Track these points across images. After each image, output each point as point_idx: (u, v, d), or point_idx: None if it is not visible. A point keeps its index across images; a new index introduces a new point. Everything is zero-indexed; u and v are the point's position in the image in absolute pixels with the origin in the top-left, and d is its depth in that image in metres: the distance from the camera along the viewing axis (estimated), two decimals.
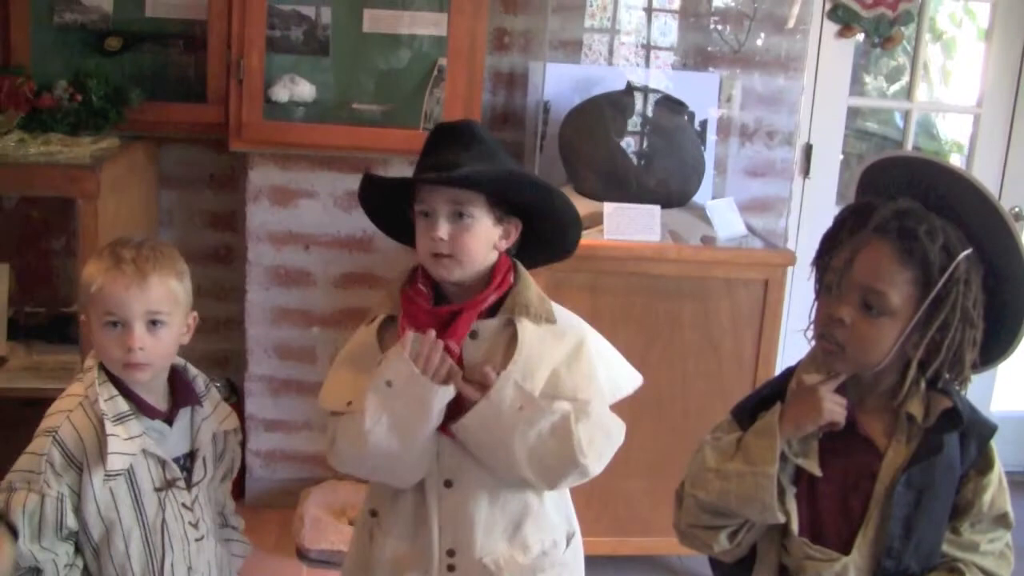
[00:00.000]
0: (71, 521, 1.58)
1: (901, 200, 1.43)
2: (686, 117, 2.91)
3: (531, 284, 1.66)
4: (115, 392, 1.62)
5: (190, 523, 1.68)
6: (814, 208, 3.36)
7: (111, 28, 2.81)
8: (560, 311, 1.67)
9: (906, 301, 1.40)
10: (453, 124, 1.66)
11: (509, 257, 1.67)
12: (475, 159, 1.58)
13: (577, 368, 1.61)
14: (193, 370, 1.77)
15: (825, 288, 1.48)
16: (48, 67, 2.70)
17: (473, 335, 1.60)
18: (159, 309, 1.61)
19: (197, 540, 1.70)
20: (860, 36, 3.35)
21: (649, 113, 2.88)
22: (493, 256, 1.63)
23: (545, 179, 1.70)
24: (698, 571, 2.89)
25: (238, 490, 2.80)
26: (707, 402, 2.72)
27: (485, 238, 1.61)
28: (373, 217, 1.75)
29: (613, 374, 1.69)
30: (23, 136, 2.44)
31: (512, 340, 1.59)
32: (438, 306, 1.63)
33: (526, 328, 1.60)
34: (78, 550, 1.62)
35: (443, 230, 1.58)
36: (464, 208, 1.58)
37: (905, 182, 1.46)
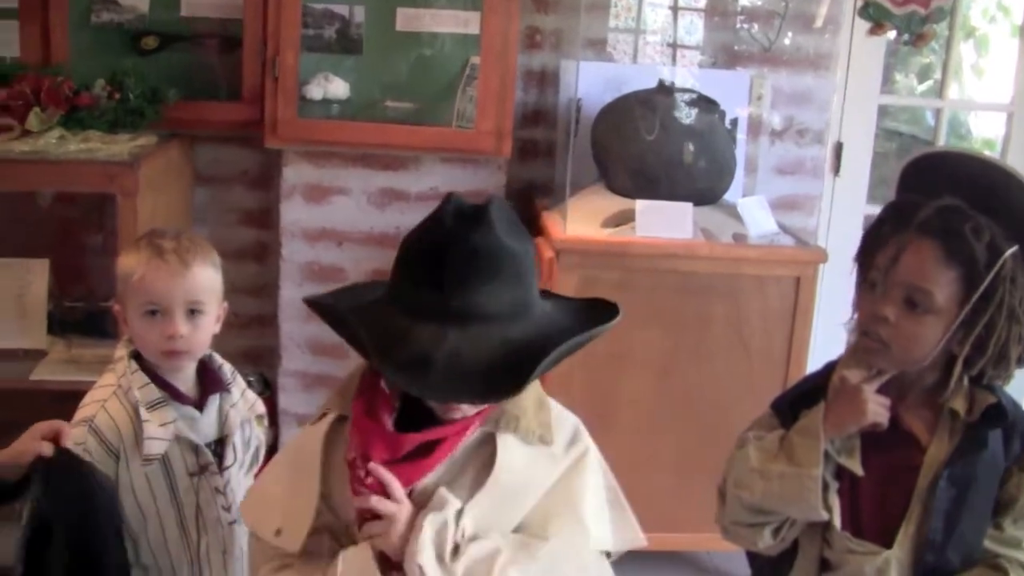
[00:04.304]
0: None
1: (945, 198, 1.43)
2: (717, 115, 2.92)
3: (531, 388, 1.28)
4: (147, 380, 1.65)
5: (223, 507, 1.71)
6: (845, 206, 3.34)
7: (147, 28, 2.83)
8: (562, 420, 1.33)
9: (951, 299, 1.41)
10: (458, 237, 1.18)
11: None
12: (497, 318, 1.19)
13: (562, 490, 1.29)
14: (219, 359, 1.80)
15: (868, 285, 1.48)
16: (86, 66, 2.72)
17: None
18: (199, 298, 1.65)
19: (231, 524, 1.72)
20: (891, 34, 3.33)
21: (681, 111, 2.88)
22: None
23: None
24: (727, 568, 2.89)
25: None
26: (736, 400, 2.70)
27: None
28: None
29: (606, 517, 1.36)
30: (63, 133, 2.48)
31: (490, 460, 1.27)
32: (406, 427, 1.25)
33: (508, 446, 1.27)
34: None
35: None
36: None
37: (947, 178, 1.46)
